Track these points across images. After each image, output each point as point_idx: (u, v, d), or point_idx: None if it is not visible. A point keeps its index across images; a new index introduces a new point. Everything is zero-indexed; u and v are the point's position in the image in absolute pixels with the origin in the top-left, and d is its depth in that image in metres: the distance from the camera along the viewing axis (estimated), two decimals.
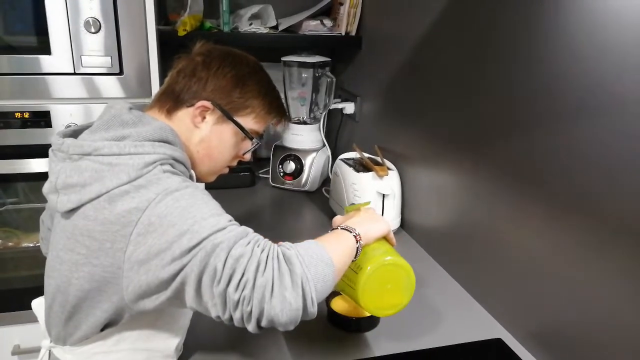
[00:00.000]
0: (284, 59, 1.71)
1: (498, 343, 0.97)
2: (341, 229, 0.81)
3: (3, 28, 1.24)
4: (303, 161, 1.71)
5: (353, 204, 1.35)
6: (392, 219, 1.38)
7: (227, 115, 0.87)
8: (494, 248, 1.04)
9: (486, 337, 0.99)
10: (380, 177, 1.34)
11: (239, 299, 0.65)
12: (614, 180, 0.75)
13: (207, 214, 0.69)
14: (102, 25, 1.26)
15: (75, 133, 0.81)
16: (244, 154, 0.95)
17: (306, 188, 1.71)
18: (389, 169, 1.38)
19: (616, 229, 0.75)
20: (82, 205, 0.72)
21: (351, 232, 0.80)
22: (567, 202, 0.84)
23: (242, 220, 0.73)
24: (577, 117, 0.81)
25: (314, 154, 1.72)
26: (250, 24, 1.66)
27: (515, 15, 0.94)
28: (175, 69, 0.89)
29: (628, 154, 0.72)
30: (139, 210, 0.68)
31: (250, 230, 0.72)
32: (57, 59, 1.27)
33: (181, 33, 1.50)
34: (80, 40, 1.26)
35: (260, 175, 1.85)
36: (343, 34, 1.69)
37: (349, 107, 1.76)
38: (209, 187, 0.89)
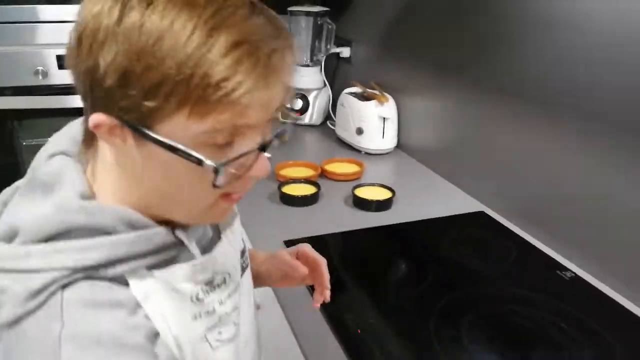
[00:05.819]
0: (290, 9, 1.98)
1: (481, 215, 1.32)
2: None
3: None
4: (308, 98, 2.00)
5: None
6: (390, 139, 1.70)
7: (137, 129, 0.45)
8: (485, 148, 1.38)
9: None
10: (382, 103, 1.65)
11: None
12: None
13: None
14: None
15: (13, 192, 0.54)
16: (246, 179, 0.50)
17: (312, 122, 2.01)
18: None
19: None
20: None
21: None
22: (547, 104, 1.18)
23: None
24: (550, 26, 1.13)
25: (316, 92, 2.02)
26: None
27: None
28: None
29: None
30: None
31: None
32: None
33: None
34: None
35: None
36: None
37: (345, 51, 2.04)
38: None
